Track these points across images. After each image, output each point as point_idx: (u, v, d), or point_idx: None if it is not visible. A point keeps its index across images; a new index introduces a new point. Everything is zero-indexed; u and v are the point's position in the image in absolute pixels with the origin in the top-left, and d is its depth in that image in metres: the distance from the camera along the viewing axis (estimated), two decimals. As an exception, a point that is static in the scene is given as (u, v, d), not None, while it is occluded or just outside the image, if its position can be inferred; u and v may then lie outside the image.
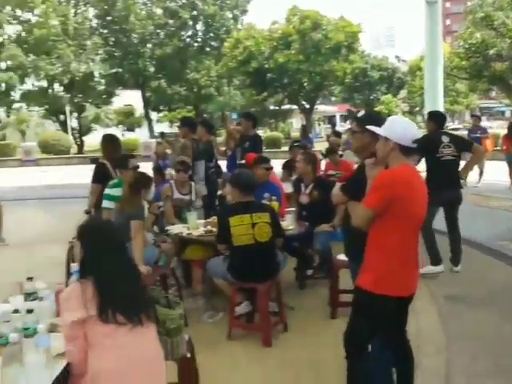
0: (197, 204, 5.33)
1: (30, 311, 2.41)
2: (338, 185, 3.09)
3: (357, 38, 34.71)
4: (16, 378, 2.06)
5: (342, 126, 36.55)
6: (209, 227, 4.59)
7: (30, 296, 2.74)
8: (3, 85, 34.39)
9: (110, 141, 5.44)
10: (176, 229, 4.79)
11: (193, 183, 5.44)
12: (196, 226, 4.72)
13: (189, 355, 2.80)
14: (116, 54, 37.41)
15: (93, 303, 2.18)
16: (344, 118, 49.60)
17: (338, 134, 10.69)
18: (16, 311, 2.62)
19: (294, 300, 4.61)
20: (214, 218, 4.64)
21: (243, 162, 6.08)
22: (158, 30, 38.05)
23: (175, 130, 32.93)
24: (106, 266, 2.30)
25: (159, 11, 38.89)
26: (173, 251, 4.71)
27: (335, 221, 4.77)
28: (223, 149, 7.16)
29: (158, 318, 2.53)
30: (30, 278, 2.81)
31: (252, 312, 4.19)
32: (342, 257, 3.93)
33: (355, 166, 3.49)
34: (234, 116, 33.18)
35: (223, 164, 6.97)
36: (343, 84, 37.24)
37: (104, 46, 35.66)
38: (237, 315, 4.11)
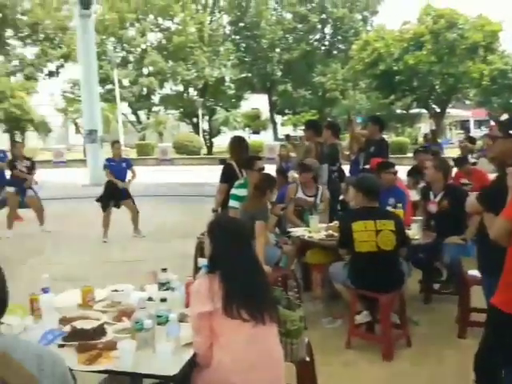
0: (320, 207, 5.31)
1: (163, 300, 2.57)
2: (472, 194, 2.88)
3: (497, 38, 32.12)
4: (148, 362, 2.22)
5: (477, 132, 34.05)
6: (330, 231, 4.56)
7: (163, 286, 2.93)
8: (145, 89, 37.39)
9: (237, 142, 5.62)
10: (297, 231, 4.82)
11: (320, 186, 5.42)
12: (317, 229, 4.71)
13: (308, 359, 2.80)
14: (246, 59, 38.71)
15: (219, 297, 2.27)
16: (478, 124, 46.13)
17: (472, 140, 9.99)
18: (150, 299, 2.83)
19: (417, 314, 4.39)
20: (336, 223, 4.58)
21: (367, 166, 5.94)
22: (287, 35, 38.67)
23: (299, 133, 33.23)
24: (233, 262, 2.37)
25: (289, 16, 39.53)
26: (294, 253, 4.76)
27: (467, 233, 4.46)
28: (347, 153, 7.06)
29: (280, 319, 2.57)
30: (164, 269, 3.01)
31: (372, 322, 4.07)
32: (474, 272, 3.66)
33: (489, 176, 3.22)
34: (359, 120, 32.55)
35: (346, 168, 6.88)
36: (479, 86, 34.64)
37: (235, 52, 37.14)
38: (356, 324, 4.02)
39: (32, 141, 37.28)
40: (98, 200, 7.90)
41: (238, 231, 2.53)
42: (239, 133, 33.23)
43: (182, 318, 2.63)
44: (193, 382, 2.40)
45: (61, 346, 2.40)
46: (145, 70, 38.43)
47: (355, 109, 36.04)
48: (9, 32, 36.24)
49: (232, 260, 2.39)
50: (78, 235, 8.32)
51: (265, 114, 41.06)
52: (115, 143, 8.28)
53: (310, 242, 4.56)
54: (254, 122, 39.46)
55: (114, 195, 7.86)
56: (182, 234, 7.49)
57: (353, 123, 6.72)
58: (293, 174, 7.05)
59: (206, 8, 37.89)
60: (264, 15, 37.45)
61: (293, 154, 8.94)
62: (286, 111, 41.99)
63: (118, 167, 7.99)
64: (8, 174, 8.53)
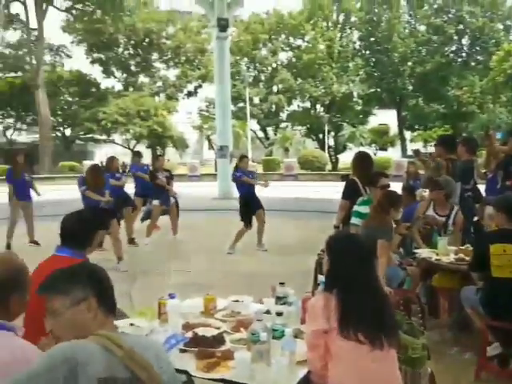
0: (450, 228, 4.97)
1: (279, 314, 2.58)
2: None
3: None
4: (263, 375, 2.23)
5: None
6: (461, 255, 4.24)
7: (280, 300, 2.96)
8: (274, 106, 38.49)
9: (361, 158, 5.50)
10: (424, 252, 4.57)
11: (455, 207, 5.08)
12: (446, 251, 4.42)
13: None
14: (375, 73, 38.03)
15: (335, 316, 2.22)
16: None
17: None
18: (268, 312, 2.87)
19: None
20: (468, 247, 4.24)
21: (509, 183, 5.45)
22: (420, 47, 37.29)
23: (429, 149, 31.63)
24: (351, 281, 2.30)
25: (422, 28, 38.11)
26: (419, 275, 4.50)
27: None
28: (483, 170, 6.53)
29: (400, 345, 2.45)
30: (282, 283, 3.03)
31: (506, 355, 3.69)
32: None
33: None
34: (498, 135, 30.01)
35: (481, 187, 6.36)
36: None
37: (364, 67, 36.70)
38: (488, 356, 3.67)
39: (170, 156, 40.32)
40: (241, 219, 8.09)
41: (357, 249, 2.44)
42: (366, 149, 32.59)
43: (297, 334, 2.62)
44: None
45: (182, 351, 2.52)
46: (274, 88, 39.61)
47: (495, 123, 33.39)
48: (154, 55, 39.77)
49: (349, 279, 2.31)
50: (206, 245, 8.74)
51: (393, 129, 39.82)
52: (244, 157, 8.53)
53: (437, 264, 4.29)
54: (382, 137, 38.46)
55: (250, 206, 8.03)
56: (303, 250, 7.49)
57: (491, 138, 6.19)
58: (421, 193, 6.73)
59: (337, 25, 38.03)
60: (396, 28, 36.56)
61: (422, 172, 8.50)
62: (416, 126, 40.36)
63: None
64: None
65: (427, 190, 5.61)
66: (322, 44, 36.33)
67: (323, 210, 12.08)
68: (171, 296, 2.97)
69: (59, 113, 36.75)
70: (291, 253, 7.81)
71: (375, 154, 35.12)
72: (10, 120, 37.92)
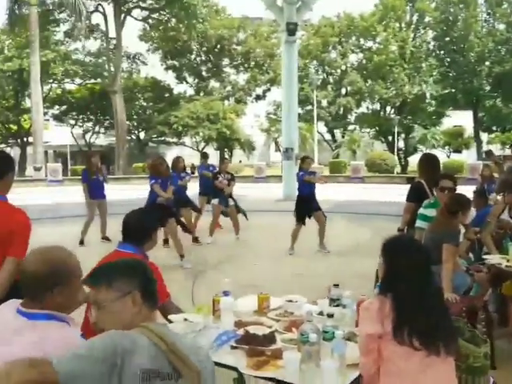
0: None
1: (330, 316, 2.53)
2: None
3: None
4: (311, 376, 2.19)
5: None
6: (535, 263, 3.96)
7: (334, 301, 2.89)
8: (342, 108, 38.04)
9: (427, 160, 5.31)
10: (494, 259, 4.31)
11: None
12: (518, 258, 4.15)
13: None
14: (450, 74, 36.56)
15: (389, 320, 2.14)
16: None
17: None
18: (321, 313, 2.82)
19: None
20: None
21: None
22: (499, 47, 35.40)
23: (507, 151, 29.94)
24: (406, 286, 2.21)
25: (502, 27, 36.18)
26: (487, 282, 4.25)
27: None
28: None
29: (460, 352, 2.32)
30: (336, 285, 2.97)
31: None
32: None
33: None
34: None
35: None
36: None
37: (439, 67, 35.40)
38: None
39: (238, 158, 40.89)
40: (295, 216, 8.19)
41: (414, 253, 2.34)
42: (439, 151, 31.43)
43: (351, 337, 2.56)
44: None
45: (233, 347, 2.53)
46: (343, 90, 39.15)
47: None
48: (225, 61, 40.60)
49: (406, 283, 2.22)
50: (266, 246, 8.79)
51: (468, 131, 38.01)
52: (306, 158, 8.56)
53: (507, 271, 4.03)
54: (456, 140, 36.80)
55: (306, 208, 8.08)
56: (365, 253, 7.31)
57: None
58: (495, 197, 6.39)
59: (410, 25, 36.95)
60: (473, 27, 34.95)
61: (496, 175, 8.07)
62: (494, 128, 38.28)
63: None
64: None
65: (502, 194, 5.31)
66: (393, 45, 35.46)
67: (389, 213, 11.76)
68: (225, 293, 3.00)
69: (134, 117, 38.36)
70: (353, 255, 7.67)
71: (448, 157, 33.73)
72: (90, 124, 40.07)
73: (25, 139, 36.39)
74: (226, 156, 34.36)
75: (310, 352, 2.22)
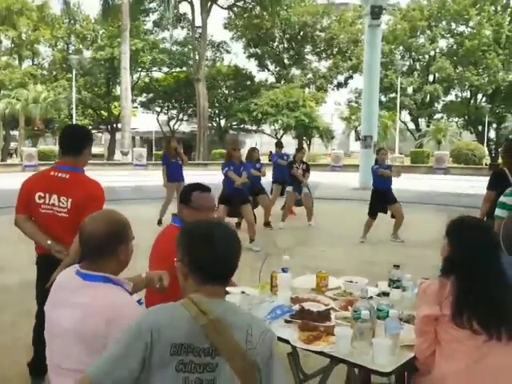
0: None
1: (385, 294, 2.47)
2: None
3: None
4: (362, 353, 2.15)
5: None
6: None
7: (393, 283, 2.82)
8: (428, 96, 36.43)
9: (510, 146, 5.01)
10: None
11: None
12: None
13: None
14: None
15: (448, 303, 2.06)
16: None
17: None
18: (384, 294, 2.76)
19: None
20: None
21: None
22: None
23: None
24: (472, 268, 2.11)
25: None
26: None
27: None
28: None
29: None
30: (396, 266, 2.89)
31: None
32: None
33: None
34: None
35: None
36: None
37: (537, 52, 32.86)
38: None
39: (316, 146, 40.54)
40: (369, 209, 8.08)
41: (483, 236, 2.23)
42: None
43: (410, 320, 2.49)
44: (410, 387, 2.25)
45: (287, 321, 2.54)
46: (430, 77, 37.46)
47: None
48: (307, 48, 40.25)
49: (471, 266, 2.12)
50: (339, 233, 8.70)
51: None
52: (380, 150, 8.39)
53: None
54: None
55: (381, 202, 7.92)
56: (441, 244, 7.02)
57: None
58: None
59: (507, 8, 34.52)
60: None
61: None
62: None
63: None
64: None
65: None
66: (487, 29, 33.34)
67: (473, 205, 11.15)
68: (284, 270, 3.01)
69: (216, 104, 39.18)
70: (429, 247, 7.34)
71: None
72: (174, 111, 41.53)
73: (114, 125, 38.40)
74: (305, 144, 34.18)
75: (361, 329, 2.19)
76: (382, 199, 7.89)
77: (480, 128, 34.04)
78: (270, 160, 10.09)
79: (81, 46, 37.83)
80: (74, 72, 29.42)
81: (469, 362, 2.01)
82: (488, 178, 5.20)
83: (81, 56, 34.54)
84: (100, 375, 1.52)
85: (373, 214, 7.97)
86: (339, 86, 40.87)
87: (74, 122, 25.75)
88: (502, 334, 2.01)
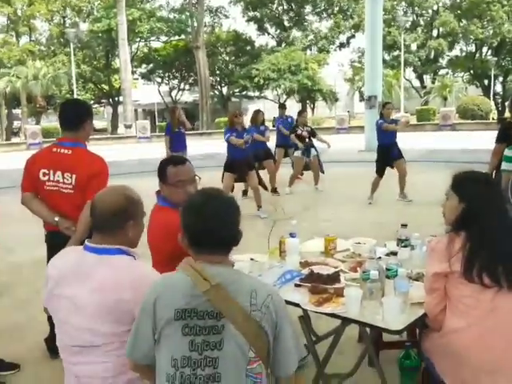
0: None
1: (393, 253, 2.47)
2: None
3: None
4: (372, 312, 2.18)
5: None
6: None
7: (402, 242, 2.81)
8: (432, 52, 35.71)
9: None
10: None
11: None
12: None
13: None
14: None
15: (458, 258, 2.06)
16: None
17: None
18: (392, 253, 2.76)
19: None
20: None
21: None
22: None
23: None
24: (481, 224, 2.10)
25: None
26: None
27: None
28: None
29: None
30: (404, 225, 2.88)
31: None
32: None
33: None
34: None
35: None
36: None
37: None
38: None
39: (320, 109, 40.10)
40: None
41: (492, 190, 2.23)
42: (542, 95, 28.68)
43: (419, 278, 2.51)
44: (421, 343, 2.28)
45: (297, 285, 2.56)
46: (434, 33, 36.64)
47: None
48: (307, 8, 39.33)
49: (482, 220, 2.11)
50: (346, 196, 8.68)
51: None
52: (386, 104, 8.21)
53: None
54: None
55: (387, 158, 7.86)
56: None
57: None
58: None
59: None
60: None
61: None
62: None
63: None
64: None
65: None
66: (491, -21, 32.33)
67: (482, 160, 11.05)
68: (292, 235, 3.01)
69: (217, 72, 38.67)
70: (435, 204, 7.34)
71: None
72: (175, 81, 41.06)
73: (116, 99, 38.10)
74: (309, 108, 33.78)
75: (371, 289, 2.20)
76: (387, 154, 7.82)
77: (486, 82, 33.45)
78: (273, 126, 9.95)
79: (77, 19, 37.23)
80: (71, 46, 29.02)
81: (480, 316, 2.03)
82: (496, 132, 5.14)
83: (78, 29, 33.93)
84: (129, 349, 1.67)
85: (380, 170, 7.90)
86: (341, 46, 40.10)
87: (76, 97, 25.55)
88: None
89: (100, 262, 1.89)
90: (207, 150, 16.85)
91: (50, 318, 3.14)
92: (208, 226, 1.62)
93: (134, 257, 1.98)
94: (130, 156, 17.96)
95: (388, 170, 7.99)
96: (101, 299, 1.82)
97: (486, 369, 2.01)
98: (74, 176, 2.98)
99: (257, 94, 37.66)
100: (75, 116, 3.11)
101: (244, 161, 7.34)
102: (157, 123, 34.54)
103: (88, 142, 3.24)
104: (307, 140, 8.94)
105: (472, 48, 35.80)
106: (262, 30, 40.21)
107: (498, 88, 33.86)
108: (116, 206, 1.92)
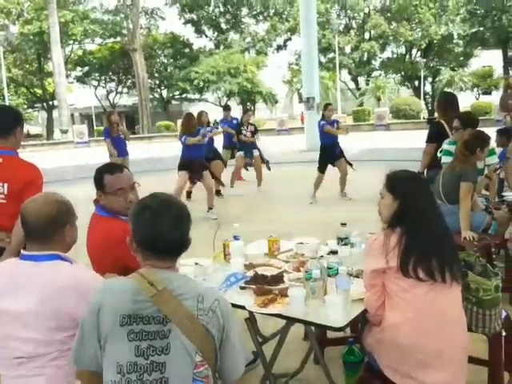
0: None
1: (334, 252, 2.54)
2: None
3: None
4: (316, 311, 2.23)
5: None
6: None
7: (342, 240, 2.89)
8: (365, 54, 36.88)
9: (445, 99, 5.22)
10: (512, 196, 4.21)
11: None
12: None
13: (504, 333, 2.47)
14: (478, 11, 34.82)
15: (394, 254, 2.14)
16: None
17: None
18: (333, 252, 2.83)
19: None
20: None
21: None
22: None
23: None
24: (417, 219, 2.20)
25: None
26: (507, 220, 4.17)
27: None
28: None
29: (469, 284, 2.37)
30: (343, 224, 2.96)
31: None
32: None
33: None
34: None
35: None
36: None
37: (466, 5, 33.76)
38: None
39: (261, 111, 40.42)
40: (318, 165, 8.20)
41: (423, 186, 2.34)
42: (467, 93, 30.35)
43: (359, 274, 2.57)
44: (363, 339, 2.34)
45: (242, 288, 2.57)
46: (366, 35, 37.87)
47: None
48: (244, 11, 39.54)
49: (413, 216, 2.20)
50: (289, 195, 8.82)
51: (498, 71, 36.38)
52: (327, 105, 8.43)
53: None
54: (485, 81, 35.33)
55: (329, 156, 8.06)
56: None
57: None
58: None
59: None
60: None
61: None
62: (526, 67, 36.59)
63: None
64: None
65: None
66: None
67: (415, 158, 11.52)
68: (235, 238, 3.02)
69: (156, 75, 38.18)
70: (374, 201, 7.59)
71: (477, 99, 32.59)
72: (112, 84, 40.12)
73: (50, 103, 36.74)
74: (247, 108, 33.97)
75: (314, 288, 2.25)
76: (329, 153, 8.07)
77: (416, 83, 34.91)
78: (215, 127, 9.93)
79: (6, 22, 35.53)
80: (1, 49, 27.63)
81: (416, 310, 2.10)
82: (426, 131, 5.37)
83: (7, 32, 32.42)
84: (74, 356, 1.64)
85: (322, 168, 8.13)
86: (279, 48, 40.64)
87: (7, 102, 24.38)
88: (446, 277, 2.12)
89: (37, 269, 1.85)
90: (150, 154, 16.58)
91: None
92: (157, 232, 1.62)
93: (70, 262, 1.95)
94: (67, 162, 17.37)
95: (329, 171, 8.20)
96: (40, 306, 1.79)
97: (424, 361, 2.09)
98: (5, 185, 2.87)
99: (197, 96, 37.47)
100: (4, 123, 2.98)
101: (199, 160, 7.32)
102: (95, 127, 33.55)
103: (20, 148, 3.12)
104: (251, 141, 9.06)
105: (402, 50, 37.30)
106: (199, 32, 40.08)
107: (428, 88, 35.42)
108: (53, 214, 1.89)
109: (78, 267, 1.96)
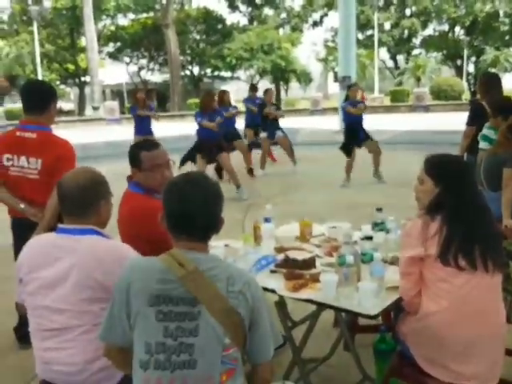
0: None
1: (368, 238, 2.46)
2: None
3: None
4: (348, 298, 2.17)
5: None
6: None
7: (377, 226, 2.80)
8: (406, 31, 35.83)
9: (487, 80, 5.02)
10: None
11: None
12: None
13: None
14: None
15: (434, 242, 2.05)
16: None
17: None
18: (368, 238, 2.75)
19: None
20: None
21: None
22: None
23: None
24: (457, 206, 2.10)
25: None
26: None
27: None
28: None
29: (509, 274, 2.31)
30: (379, 209, 2.87)
31: None
32: None
33: None
34: None
35: None
36: None
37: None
38: None
39: (294, 91, 39.95)
40: (341, 147, 8.02)
41: (466, 171, 2.22)
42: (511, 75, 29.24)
43: (394, 261, 2.49)
44: (397, 328, 2.28)
45: (272, 271, 2.53)
46: (407, 11, 36.74)
47: None
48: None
49: (455, 203, 2.10)
50: (322, 178, 8.70)
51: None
52: (352, 86, 8.34)
53: None
54: (532, 61, 33.97)
55: (354, 138, 7.90)
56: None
57: None
58: None
59: None
60: None
61: None
62: None
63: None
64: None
65: None
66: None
67: (455, 141, 11.19)
68: (266, 220, 2.97)
69: (188, 51, 37.93)
70: (409, 186, 7.41)
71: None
72: (144, 60, 40.14)
73: (83, 79, 37.09)
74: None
75: (347, 274, 2.19)
76: (354, 135, 7.93)
77: (459, 62, 33.83)
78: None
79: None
80: (35, 24, 27.98)
81: (455, 299, 2.03)
82: (465, 113, 5.18)
83: (41, 6, 32.74)
84: (104, 332, 1.64)
85: (347, 151, 7.94)
86: (315, 24, 39.84)
87: (40, 78, 24.75)
88: (489, 266, 2.03)
89: (74, 242, 1.88)
90: (180, 132, 16.59)
91: (17, 307, 3.06)
92: (189, 212, 1.59)
93: (107, 237, 1.98)
94: (98, 139, 17.61)
95: (362, 153, 8.04)
96: (76, 277, 1.81)
97: (462, 352, 2.03)
98: (39, 161, 2.91)
99: (229, 74, 37.23)
100: (39, 98, 3.01)
101: (214, 142, 7.27)
102: (126, 104, 33.84)
103: (55, 124, 3.15)
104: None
105: (445, 27, 36.09)
106: (233, 7, 39.56)
107: (471, 68, 34.27)
108: (87, 186, 1.92)
109: (117, 242, 2.02)
